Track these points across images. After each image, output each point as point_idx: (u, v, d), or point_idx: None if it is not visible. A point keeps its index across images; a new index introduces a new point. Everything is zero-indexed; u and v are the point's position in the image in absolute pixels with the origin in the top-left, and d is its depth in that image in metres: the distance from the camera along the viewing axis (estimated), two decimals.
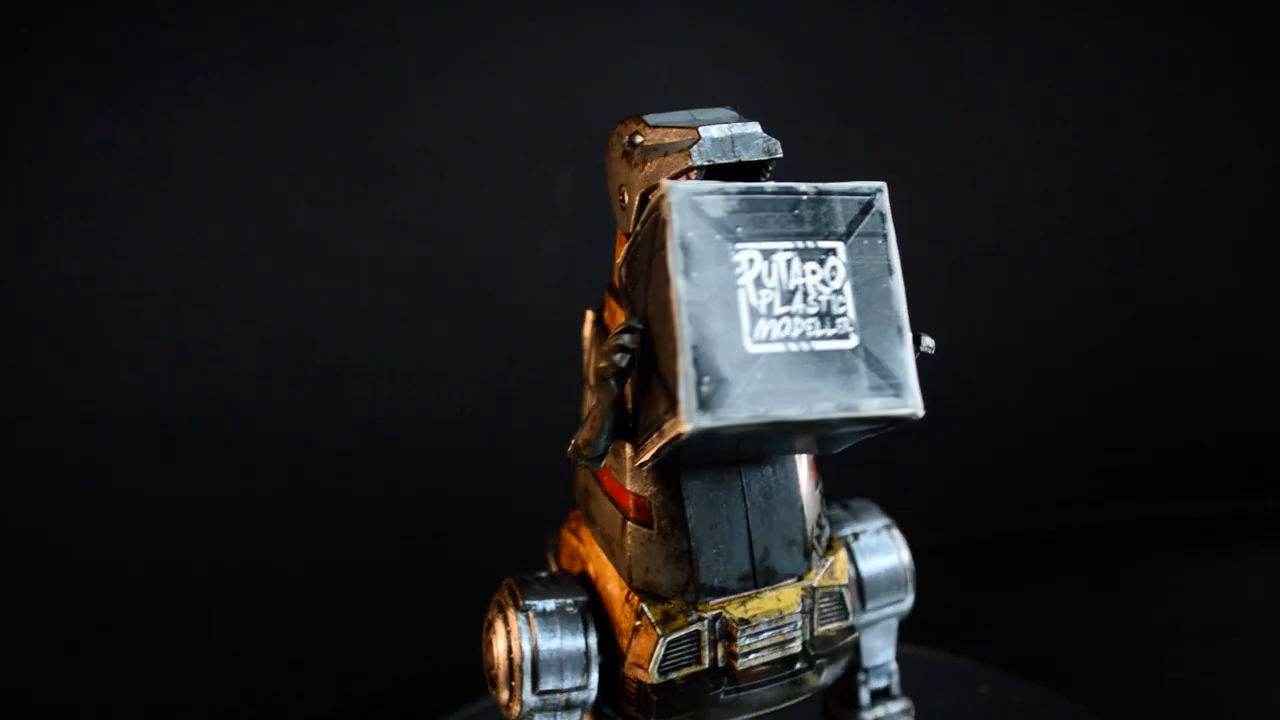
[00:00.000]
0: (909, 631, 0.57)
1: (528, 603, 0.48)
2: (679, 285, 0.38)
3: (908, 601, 0.55)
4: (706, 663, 0.47)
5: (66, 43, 0.93)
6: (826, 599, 0.49)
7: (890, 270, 0.39)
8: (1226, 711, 0.69)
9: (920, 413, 0.39)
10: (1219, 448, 1.02)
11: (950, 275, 1.06)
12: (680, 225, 0.38)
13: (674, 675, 0.46)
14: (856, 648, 0.54)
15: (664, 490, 0.45)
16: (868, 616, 0.54)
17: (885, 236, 0.39)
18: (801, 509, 0.46)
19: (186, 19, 0.95)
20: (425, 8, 1.00)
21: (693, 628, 0.46)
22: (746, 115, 0.46)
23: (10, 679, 0.89)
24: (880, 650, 0.56)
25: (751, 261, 0.38)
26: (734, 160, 0.42)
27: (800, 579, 0.47)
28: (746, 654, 0.46)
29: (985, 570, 0.83)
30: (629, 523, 0.46)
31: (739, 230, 0.39)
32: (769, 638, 0.46)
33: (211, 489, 0.97)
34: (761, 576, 0.46)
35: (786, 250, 0.39)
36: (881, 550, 0.54)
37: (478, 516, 0.95)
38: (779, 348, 0.38)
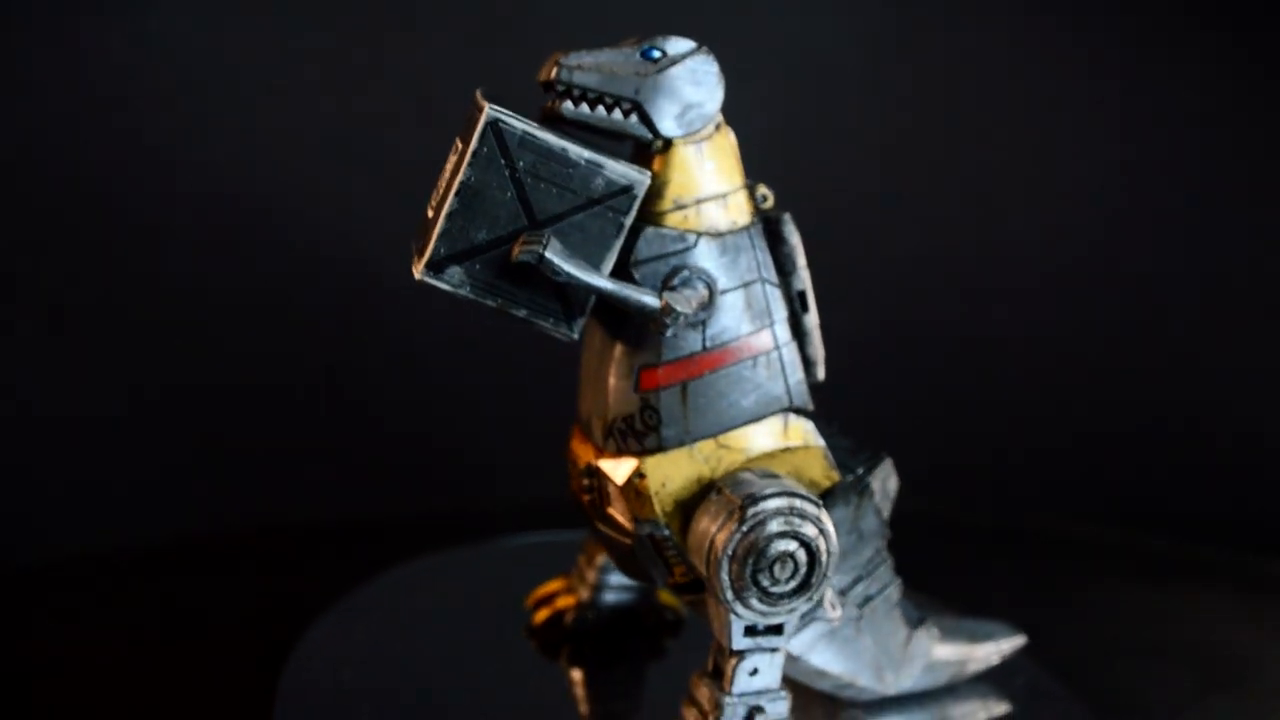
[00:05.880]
0: None
1: None
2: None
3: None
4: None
5: None
6: (611, 487, 0.52)
7: (468, 179, 0.49)
8: None
9: (418, 276, 0.49)
10: (1191, 491, 1.03)
11: (982, 279, 1.09)
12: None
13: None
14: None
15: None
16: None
17: (491, 159, 0.49)
18: (607, 394, 0.52)
19: None
20: None
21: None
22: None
23: None
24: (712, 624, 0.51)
25: (454, 149, 0.51)
26: (540, 79, 0.51)
27: (598, 451, 0.53)
28: (578, 477, 0.55)
29: (941, 548, 0.85)
30: None
31: (463, 131, 0.50)
32: (581, 477, 0.55)
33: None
34: (586, 427, 0.55)
35: (460, 147, 0.50)
36: (718, 514, 0.49)
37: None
38: (429, 206, 0.51)
